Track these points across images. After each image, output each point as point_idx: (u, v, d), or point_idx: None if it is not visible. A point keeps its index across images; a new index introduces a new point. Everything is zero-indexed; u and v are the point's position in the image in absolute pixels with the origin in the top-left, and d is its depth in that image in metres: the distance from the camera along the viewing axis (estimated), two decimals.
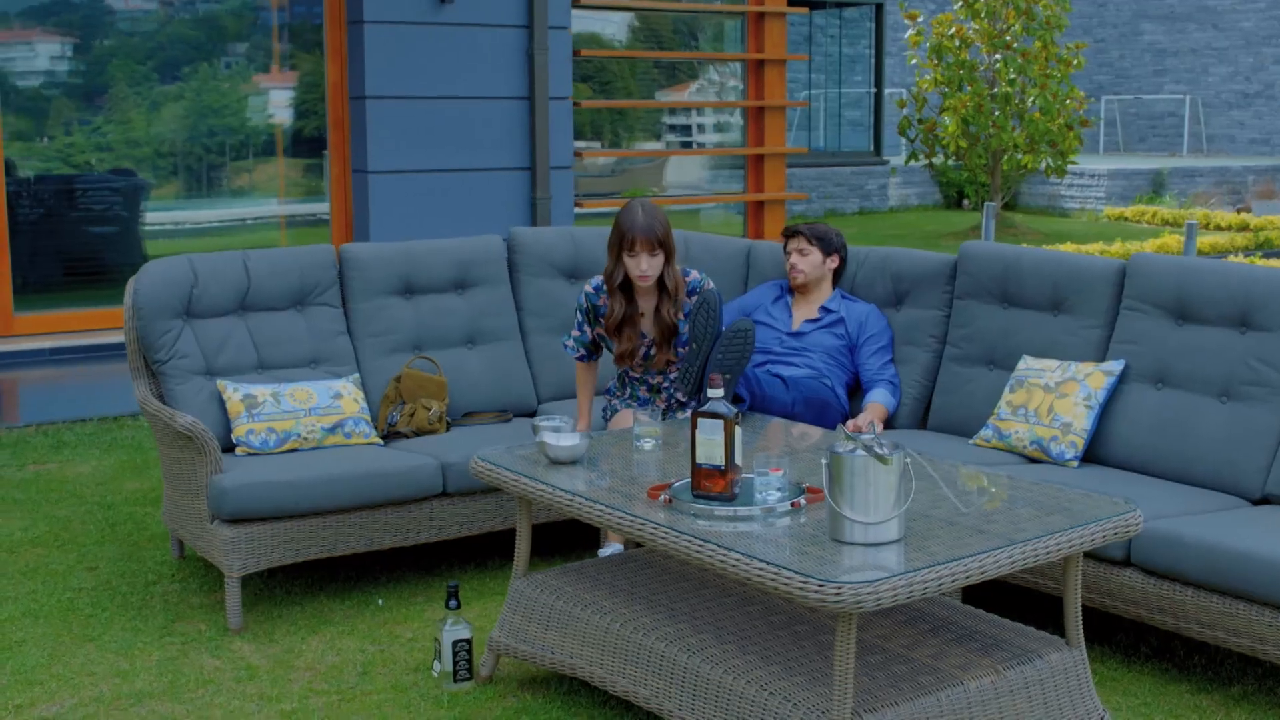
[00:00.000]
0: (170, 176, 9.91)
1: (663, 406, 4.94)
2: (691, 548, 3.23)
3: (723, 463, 3.42)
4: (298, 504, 4.53)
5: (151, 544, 5.33)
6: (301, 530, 4.57)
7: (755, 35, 12.42)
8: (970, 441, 4.94)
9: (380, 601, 4.76)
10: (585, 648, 3.73)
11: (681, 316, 4.81)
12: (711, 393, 3.46)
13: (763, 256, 5.85)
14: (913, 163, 17.16)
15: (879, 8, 20.21)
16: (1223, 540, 3.84)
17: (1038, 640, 3.51)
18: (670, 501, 3.48)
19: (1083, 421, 4.64)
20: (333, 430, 4.96)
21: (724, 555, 3.15)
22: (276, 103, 10.23)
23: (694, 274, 4.92)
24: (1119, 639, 4.39)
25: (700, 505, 3.43)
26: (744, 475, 3.59)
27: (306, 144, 10.23)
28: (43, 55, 9.58)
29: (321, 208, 10.12)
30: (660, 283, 4.80)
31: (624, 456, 4.05)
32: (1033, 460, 4.72)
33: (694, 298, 4.83)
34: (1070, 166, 17.25)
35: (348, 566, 5.09)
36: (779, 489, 3.46)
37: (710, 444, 3.42)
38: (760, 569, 3.05)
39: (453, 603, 4.07)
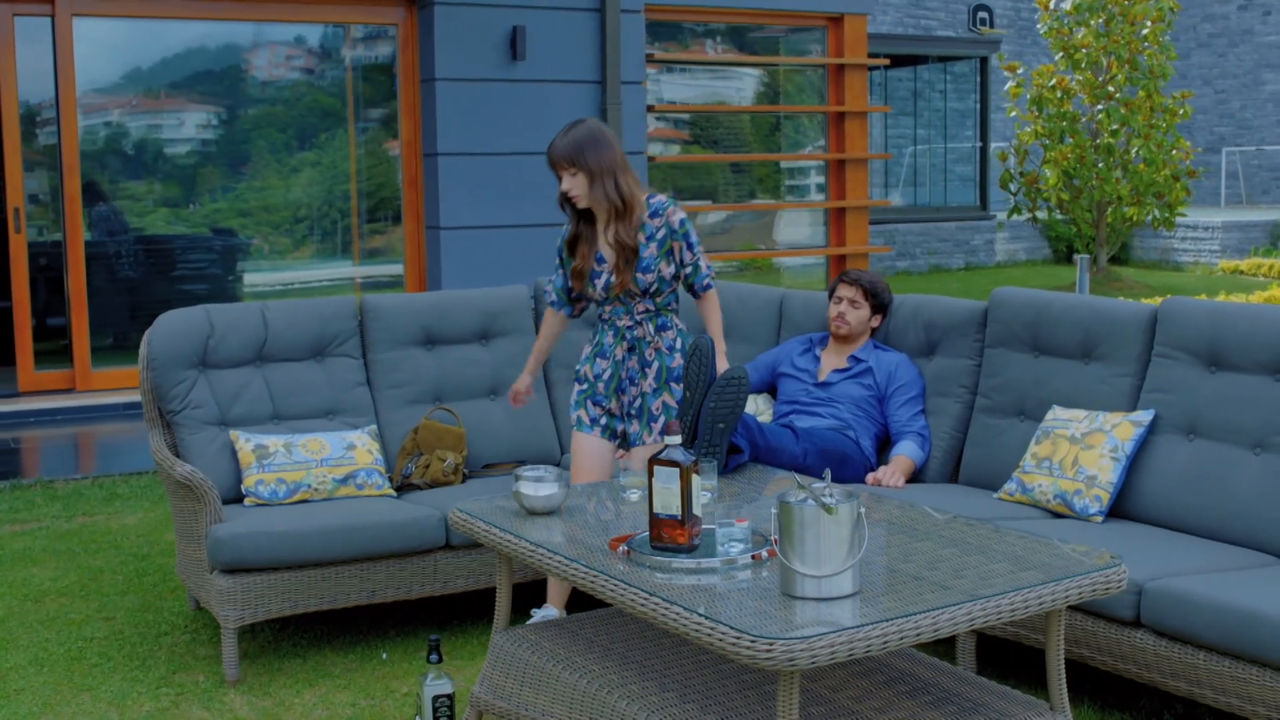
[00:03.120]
0: (280, 238, 10.09)
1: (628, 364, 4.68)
2: (637, 600, 3.10)
3: (679, 512, 3.28)
4: (294, 554, 4.47)
5: (173, 595, 5.32)
6: (299, 581, 4.52)
7: (835, 87, 12.27)
8: (995, 495, 4.72)
9: (385, 655, 4.68)
10: (555, 705, 3.60)
11: (643, 239, 4.53)
12: (668, 439, 3.33)
13: (795, 307, 5.70)
14: (1016, 217, 16.81)
15: (984, 61, 19.93)
16: (1235, 599, 3.59)
17: (1020, 704, 3.29)
18: (629, 553, 3.35)
19: (1108, 474, 4.41)
20: (344, 481, 4.92)
21: (666, 609, 3.00)
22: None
23: (659, 197, 4.62)
24: (1142, 704, 4.13)
25: (658, 557, 3.29)
26: (707, 526, 3.44)
27: (390, 208, 10.33)
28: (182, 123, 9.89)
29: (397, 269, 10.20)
30: (611, 204, 4.51)
31: (606, 507, 3.92)
32: (1056, 515, 4.49)
33: (657, 220, 4.55)
34: (1183, 219, 16.72)
35: (356, 620, 5.02)
36: (741, 540, 3.31)
37: (667, 493, 3.28)
38: (698, 624, 2.90)
39: (434, 657, 3.97)
